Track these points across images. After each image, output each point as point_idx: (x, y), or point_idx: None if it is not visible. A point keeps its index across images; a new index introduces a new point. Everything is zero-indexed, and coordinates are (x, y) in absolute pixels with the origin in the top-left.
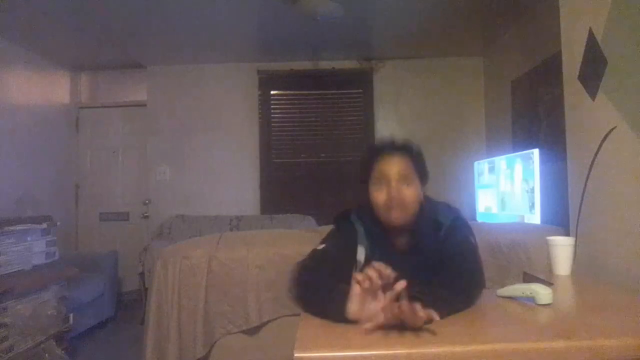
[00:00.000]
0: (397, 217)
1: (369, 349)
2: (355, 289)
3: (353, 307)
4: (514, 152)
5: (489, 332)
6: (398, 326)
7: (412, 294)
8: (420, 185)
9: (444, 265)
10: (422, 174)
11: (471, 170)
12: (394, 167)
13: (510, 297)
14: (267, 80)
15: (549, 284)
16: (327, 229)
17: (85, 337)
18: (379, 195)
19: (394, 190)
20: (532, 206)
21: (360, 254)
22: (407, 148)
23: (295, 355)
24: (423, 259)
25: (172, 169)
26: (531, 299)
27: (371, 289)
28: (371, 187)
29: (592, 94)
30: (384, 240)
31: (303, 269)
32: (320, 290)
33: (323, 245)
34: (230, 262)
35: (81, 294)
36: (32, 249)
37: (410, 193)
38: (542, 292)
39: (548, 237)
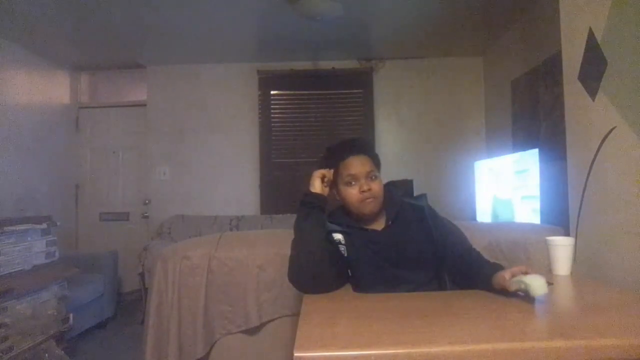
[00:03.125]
0: (371, 208)
1: (369, 349)
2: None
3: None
4: (514, 152)
5: (489, 332)
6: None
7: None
8: (380, 177)
9: (455, 243)
10: (378, 165)
11: (471, 170)
12: (361, 167)
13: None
14: (267, 80)
15: (548, 283)
16: None
17: (85, 337)
18: (351, 192)
19: (365, 185)
20: (532, 206)
21: (337, 235)
22: (366, 147)
23: (295, 355)
24: (400, 233)
25: (172, 169)
26: (526, 292)
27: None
28: (342, 187)
29: (592, 94)
30: (359, 227)
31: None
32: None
33: None
34: (230, 262)
35: (81, 294)
36: (32, 249)
37: (376, 185)
38: (535, 284)
39: (548, 237)
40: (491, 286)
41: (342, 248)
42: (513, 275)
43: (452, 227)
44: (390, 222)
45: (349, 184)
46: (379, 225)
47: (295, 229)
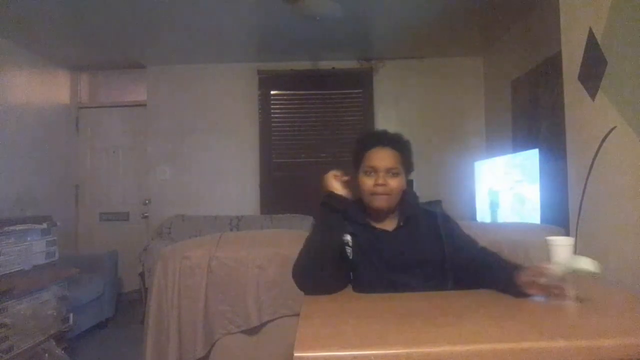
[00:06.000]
0: (380, 204)
1: (369, 349)
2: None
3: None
4: (514, 152)
5: (489, 332)
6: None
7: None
8: (405, 176)
9: (470, 251)
10: (407, 166)
11: (471, 171)
12: (383, 160)
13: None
14: (267, 80)
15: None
16: None
17: (85, 337)
18: (367, 182)
19: (381, 180)
20: (532, 206)
21: (346, 235)
22: (397, 142)
23: (295, 355)
24: (410, 236)
25: (172, 169)
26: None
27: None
28: (361, 174)
29: (592, 94)
30: (368, 222)
31: (300, 254)
32: (309, 238)
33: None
34: (230, 262)
35: (81, 294)
36: (32, 249)
37: (395, 184)
38: (586, 260)
39: (547, 237)
40: (515, 287)
41: (349, 250)
42: (539, 273)
43: (463, 235)
44: (401, 224)
45: (367, 173)
46: (390, 225)
47: (313, 230)
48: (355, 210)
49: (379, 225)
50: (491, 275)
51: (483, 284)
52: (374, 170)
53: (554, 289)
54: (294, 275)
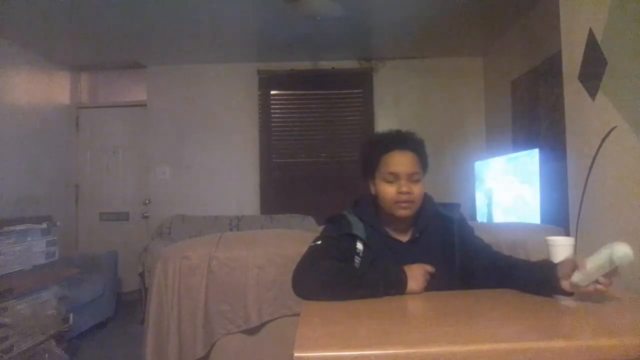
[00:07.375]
0: (404, 213)
1: (369, 349)
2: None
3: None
4: (514, 152)
5: (489, 332)
6: None
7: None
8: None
9: (480, 259)
10: (424, 167)
11: (471, 171)
12: (404, 166)
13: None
14: (267, 80)
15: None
16: None
17: (85, 337)
18: (389, 190)
19: (405, 187)
20: (532, 206)
21: (359, 244)
22: (414, 143)
23: (295, 355)
24: (427, 248)
25: (172, 169)
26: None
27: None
28: (380, 182)
29: (592, 94)
30: (384, 231)
31: (310, 263)
32: (348, 273)
33: (319, 242)
34: (230, 262)
35: (81, 294)
36: (32, 249)
37: (418, 189)
38: (624, 252)
39: (547, 237)
40: (552, 283)
41: (357, 260)
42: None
43: (477, 239)
44: (417, 235)
45: (386, 180)
46: (405, 234)
47: (359, 284)
48: (369, 211)
49: (393, 234)
50: (519, 274)
51: (505, 285)
52: (396, 177)
53: (595, 285)
54: (297, 287)
